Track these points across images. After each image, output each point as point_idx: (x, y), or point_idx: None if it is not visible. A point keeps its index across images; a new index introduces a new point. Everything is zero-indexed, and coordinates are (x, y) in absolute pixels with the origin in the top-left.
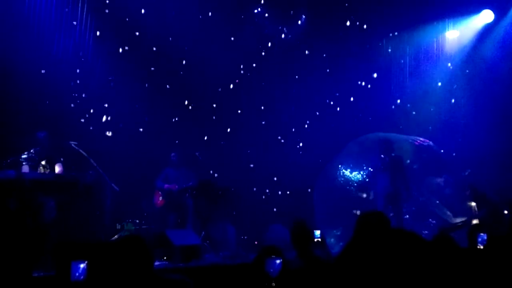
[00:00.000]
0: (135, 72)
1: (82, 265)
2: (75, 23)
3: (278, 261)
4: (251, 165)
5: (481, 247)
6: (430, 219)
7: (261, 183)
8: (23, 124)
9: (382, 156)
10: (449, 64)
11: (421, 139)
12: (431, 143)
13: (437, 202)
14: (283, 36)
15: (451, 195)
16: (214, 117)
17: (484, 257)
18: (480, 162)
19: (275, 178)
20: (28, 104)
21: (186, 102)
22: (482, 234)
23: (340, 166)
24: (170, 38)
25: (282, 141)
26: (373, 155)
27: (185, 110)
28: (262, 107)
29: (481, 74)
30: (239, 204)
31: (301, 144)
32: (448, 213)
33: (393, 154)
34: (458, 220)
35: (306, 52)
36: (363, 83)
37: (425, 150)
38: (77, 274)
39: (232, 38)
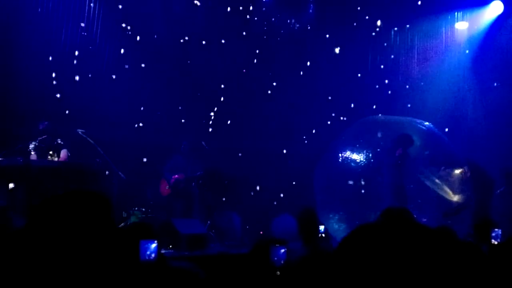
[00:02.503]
0: (141, 62)
1: (153, 245)
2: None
3: (282, 250)
4: (258, 155)
5: (495, 242)
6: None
7: (267, 173)
8: (31, 112)
9: (398, 151)
10: (456, 55)
11: (427, 123)
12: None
13: (436, 180)
14: (291, 25)
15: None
16: (220, 107)
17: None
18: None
19: (281, 168)
20: (36, 92)
21: (192, 91)
22: (496, 229)
23: (340, 150)
24: (177, 28)
25: (288, 130)
26: (387, 148)
27: (192, 100)
28: (269, 97)
29: (489, 66)
30: (244, 193)
31: (307, 133)
32: (447, 189)
33: (407, 150)
34: (456, 199)
35: (314, 41)
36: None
37: (431, 136)
38: (148, 252)
39: (240, 28)
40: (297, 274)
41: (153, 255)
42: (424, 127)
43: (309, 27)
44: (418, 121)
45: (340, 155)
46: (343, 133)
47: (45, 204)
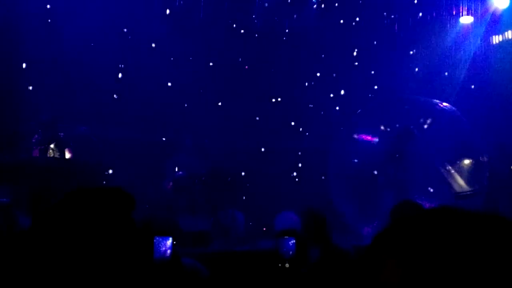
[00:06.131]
0: (142, 59)
1: (168, 241)
2: None
3: (291, 242)
4: (262, 149)
5: None
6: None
7: (271, 170)
8: (34, 109)
9: (396, 146)
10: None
11: (444, 103)
12: (454, 108)
13: (452, 171)
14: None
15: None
16: (223, 104)
17: None
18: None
19: (284, 165)
20: (39, 89)
21: (196, 88)
22: None
23: (355, 135)
24: (175, 25)
25: (292, 126)
26: (385, 142)
27: (195, 96)
28: (271, 94)
29: (494, 62)
30: (248, 190)
31: (311, 129)
32: (461, 181)
33: (408, 143)
34: (469, 188)
35: (317, 37)
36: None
37: (447, 114)
38: (163, 249)
39: (241, 23)
40: (318, 273)
41: (168, 251)
42: (442, 108)
43: (312, 21)
44: (437, 102)
45: (355, 137)
46: (357, 115)
47: (68, 198)
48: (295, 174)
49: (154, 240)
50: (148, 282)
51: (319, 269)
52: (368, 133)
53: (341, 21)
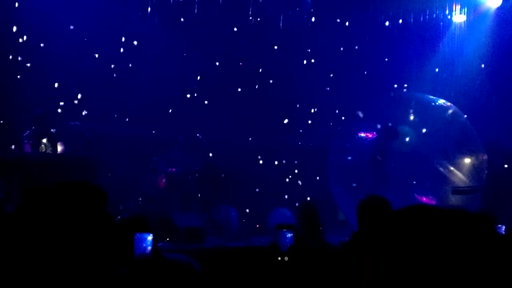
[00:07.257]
0: (135, 56)
1: (149, 237)
2: None
3: (289, 235)
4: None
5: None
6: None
7: (264, 167)
8: (26, 105)
9: (381, 146)
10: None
11: (441, 100)
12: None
13: (452, 168)
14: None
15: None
16: (216, 99)
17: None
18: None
19: (278, 162)
20: (31, 83)
21: (189, 84)
22: (500, 225)
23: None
24: (169, 19)
25: (285, 123)
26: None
27: (188, 92)
28: (265, 90)
29: (488, 60)
30: (241, 187)
31: (303, 126)
32: (462, 177)
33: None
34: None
35: (312, 33)
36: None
37: (443, 111)
38: (144, 245)
39: (236, 20)
40: (309, 267)
41: (149, 248)
42: (440, 105)
43: (309, 18)
44: (435, 98)
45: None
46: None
47: (35, 192)
48: (288, 171)
49: (135, 237)
50: (128, 279)
51: (309, 263)
52: (366, 131)
53: (338, 20)
